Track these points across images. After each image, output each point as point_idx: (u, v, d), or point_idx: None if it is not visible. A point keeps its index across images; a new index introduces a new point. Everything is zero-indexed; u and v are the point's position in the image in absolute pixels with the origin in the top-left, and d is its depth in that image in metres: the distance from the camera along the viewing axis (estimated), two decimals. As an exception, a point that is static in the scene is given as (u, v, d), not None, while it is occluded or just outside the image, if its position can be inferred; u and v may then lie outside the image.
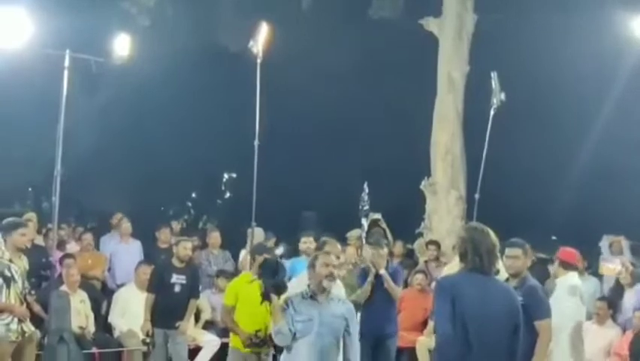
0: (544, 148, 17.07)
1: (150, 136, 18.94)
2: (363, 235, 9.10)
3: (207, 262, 11.49)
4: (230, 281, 8.49)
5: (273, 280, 6.15)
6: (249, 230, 10.12)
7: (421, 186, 13.98)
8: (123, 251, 11.50)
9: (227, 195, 25.90)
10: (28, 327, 7.35)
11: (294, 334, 5.96)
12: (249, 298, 7.21)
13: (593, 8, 13.49)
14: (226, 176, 25.57)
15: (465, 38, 14.08)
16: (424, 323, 10.45)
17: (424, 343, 9.97)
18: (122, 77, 14.10)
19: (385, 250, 8.64)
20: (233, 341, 7.73)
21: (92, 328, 9.90)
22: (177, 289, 9.26)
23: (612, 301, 10.21)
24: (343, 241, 10.38)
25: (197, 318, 10.43)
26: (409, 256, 13.11)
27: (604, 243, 12.15)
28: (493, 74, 10.53)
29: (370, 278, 8.39)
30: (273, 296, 6.06)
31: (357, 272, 8.70)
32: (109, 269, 11.44)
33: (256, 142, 9.96)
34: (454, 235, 12.06)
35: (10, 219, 7.71)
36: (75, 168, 12.83)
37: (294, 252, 10.05)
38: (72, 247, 11.67)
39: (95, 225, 15.57)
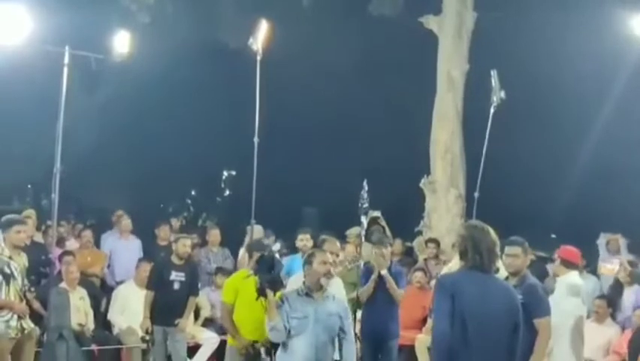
0: (543, 146, 17.07)
1: (150, 133, 18.93)
2: (363, 232, 9.08)
3: (207, 259, 11.49)
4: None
5: (269, 275, 6.12)
6: (249, 227, 10.12)
7: (421, 184, 13.99)
8: (123, 248, 11.51)
9: (227, 192, 25.89)
10: (28, 324, 7.35)
11: (289, 331, 5.95)
12: (248, 294, 7.19)
13: (593, 6, 13.48)
14: (226, 173, 25.56)
15: (465, 36, 14.09)
16: (423, 321, 10.46)
17: (423, 341, 9.97)
18: (121, 74, 14.10)
19: (388, 250, 8.61)
20: (232, 339, 7.72)
21: (91, 325, 9.89)
22: (176, 286, 9.26)
23: (611, 299, 10.22)
24: (343, 239, 10.39)
25: (196, 315, 10.44)
26: (409, 254, 13.12)
27: (601, 241, 12.16)
28: (493, 72, 10.53)
29: (374, 276, 8.37)
30: (269, 292, 6.05)
31: (362, 270, 8.67)
32: (108, 266, 11.44)
33: (256, 139, 9.96)
34: (453, 233, 12.07)
35: (7, 216, 7.70)
36: (75, 165, 12.80)
37: (291, 249, 10.05)
38: (71, 244, 11.66)
39: (94, 222, 15.56)
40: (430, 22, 14.18)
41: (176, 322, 9.17)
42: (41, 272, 9.69)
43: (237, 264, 11.11)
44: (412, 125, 15.51)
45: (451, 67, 14.03)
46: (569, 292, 7.74)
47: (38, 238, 10.78)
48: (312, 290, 6.10)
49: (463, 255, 4.86)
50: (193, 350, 10.04)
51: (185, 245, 9.40)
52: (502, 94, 10.43)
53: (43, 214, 12.27)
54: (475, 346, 4.63)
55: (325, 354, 6.06)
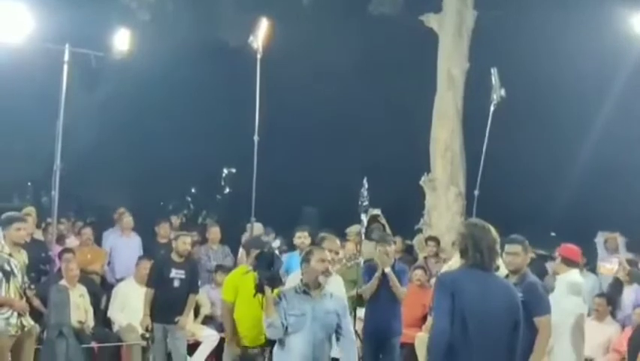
0: (543, 145, 17.08)
1: (150, 131, 18.94)
2: (363, 230, 9.09)
3: (207, 257, 11.48)
4: (228, 276, 8.45)
5: (268, 272, 6.11)
6: (248, 225, 10.12)
7: (421, 183, 13.99)
8: (123, 246, 11.50)
9: (227, 190, 25.92)
10: (28, 321, 7.35)
11: (286, 328, 5.95)
12: (247, 291, 7.16)
13: (593, 5, 13.49)
14: (226, 171, 25.58)
15: (465, 35, 14.08)
16: (423, 319, 10.45)
17: (423, 339, 9.95)
18: (121, 71, 14.11)
19: (393, 247, 8.62)
20: (227, 343, 7.74)
21: (91, 322, 9.89)
22: (176, 284, 9.25)
23: (611, 297, 10.23)
24: (342, 237, 10.40)
25: (196, 313, 10.43)
26: (409, 252, 13.12)
27: (599, 239, 12.16)
28: (493, 71, 10.54)
29: (378, 274, 8.38)
30: (267, 289, 6.03)
31: (365, 268, 8.67)
32: (108, 263, 11.44)
33: (256, 137, 9.96)
34: (453, 231, 12.07)
35: (7, 213, 7.70)
36: (75, 162, 12.82)
37: (290, 246, 10.05)
38: (71, 241, 11.66)
39: (94, 219, 15.57)
40: (430, 20, 14.17)
41: (176, 319, 9.17)
42: (41, 270, 9.69)
43: (237, 261, 11.11)
44: (412, 123, 15.51)
45: (451, 65, 14.03)
46: (570, 290, 7.74)
47: (38, 235, 10.77)
48: (310, 288, 6.09)
49: (463, 253, 4.86)
50: (193, 347, 10.03)
51: (185, 243, 9.39)
52: (503, 92, 10.44)
53: (43, 212, 12.27)
54: (476, 344, 4.63)
55: (322, 352, 6.06)
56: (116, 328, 10.20)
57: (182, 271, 9.28)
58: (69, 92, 8.74)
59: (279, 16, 11.20)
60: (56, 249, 9.87)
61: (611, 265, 10.86)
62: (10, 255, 7.21)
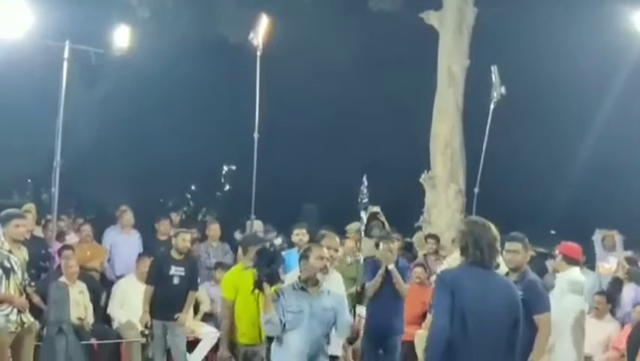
0: (543, 142, 17.08)
1: (150, 128, 18.92)
2: (362, 228, 9.08)
3: (206, 254, 11.48)
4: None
5: (267, 269, 6.11)
6: (248, 222, 10.11)
7: (421, 180, 13.98)
8: (123, 243, 11.49)
9: (227, 187, 25.91)
10: (28, 318, 7.34)
11: (284, 325, 5.96)
12: (246, 287, 7.15)
13: (594, 2, 13.49)
14: (225, 168, 25.57)
15: (465, 32, 14.06)
16: (423, 317, 10.45)
17: (423, 336, 9.96)
18: (121, 68, 14.08)
19: (396, 244, 8.64)
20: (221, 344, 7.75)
21: (90, 319, 9.89)
22: (176, 281, 9.26)
23: (611, 295, 10.22)
24: (342, 234, 10.39)
25: (195, 310, 10.44)
26: (408, 249, 13.10)
27: (597, 237, 12.15)
28: (493, 68, 10.54)
29: (381, 271, 8.38)
30: (266, 286, 6.04)
31: (368, 265, 8.66)
32: (108, 260, 11.44)
33: (256, 134, 9.96)
34: (453, 228, 12.08)
35: (7, 210, 7.70)
36: (75, 159, 12.80)
37: (289, 244, 10.05)
38: (71, 238, 11.66)
39: (94, 216, 15.56)
40: (431, 17, 14.15)
41: (175, 316, 9.17)
42: (41, 266, 9.68)
43: (238, 258, 11.10)
44: (412, 120, 15.50)
45: (451, 62, 14.01)
46: (572, 288, 7.73)
47: (38, 232, 10.78)
48: (308, 285, 6.09)
49: (463, 250, 4.85)
50: (192, 344, 10.04)
51: (184, 240, 9.39)
52: (503, 89, 10.44)
53: (43, 208, 12.27)
54: (475, 342, 4.63)
55: (320, 348, 6.06)
56: (115, 325, 10.20)
57: (182, 269, 9.28)
58: (69, 89, 8.74)
59: (279, 13, 11.19)
60: (56, 246, 9.87)
61: (609, 265, 10.88)
62: (10, 252, 7.20)
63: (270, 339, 6.35)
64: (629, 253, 11.22)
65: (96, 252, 11.26)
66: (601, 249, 11.86)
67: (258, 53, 10.02)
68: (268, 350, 6.51)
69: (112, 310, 10.29)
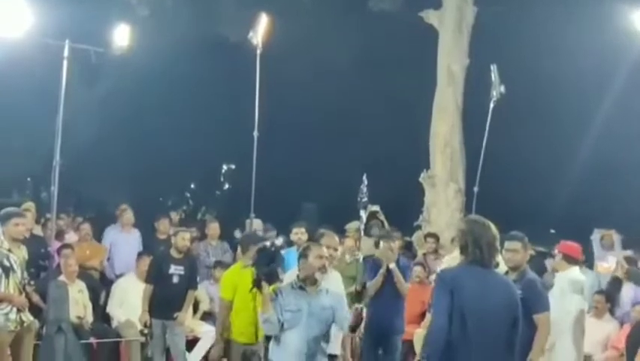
0: (543, 141, 17.08)
1: (149, 127, 18.92)
2: (362, 227, 9.08)
3: (205, 253, 11.47)
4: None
5: (266, 267, 6.10)
6: (248, 221, 10.10)
7: (420, 179, 13.98)
8: (122, 241, 11.48)
9: (226, 186, 25.91)
10: (27, 317, 7.34)
11: (282, 324, 5.95)
12: (245, 286, 7.15)
13: (594, 1, 13.49)
14: (225, 167, 25.57)
15: (465, 31, 14.07)
16: (422, 316, 10.45)
17: (421, 335, 9.97)
18: (121, 67, 14.09)
19: (397, 243, 8.64)
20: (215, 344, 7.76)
21: (90, 318, 9.88)
22: (175, 280, 9.25)
23: (610, 294, 10.22)
24: (342, 233, 10.39)
25: (195, 309, 10.44)
26: (408, 248, 13.10)
27: (595, 236, 12.13)
28: (493, 67, 10.54)
29: (382, 270, 8.38)
30: (264, 284, 6.03)
31: (368, 264, 8.66)
32: (108, 259, 11.43)
33: (255, 133, 9.96)
34: (452, 227, 12.09)
35: (6, 209, 7.69)
36: (74, 158, 12.83)
37: (288, 243, 10.05)
38: (71, 237, 11.64)
39: (93, 215, 15.55)
40: (430, 16, 14.16)
41: (174, 315, 9.17)
42: (40, 265, 9.68)
43: (237, 257, 11.10)
44: (412, 119, 15.51)
45: (451, 61, 14.02)
46: (572, 288, 7.73)
47: (38, 230, 10.76)
48: (306, 284, 6.09)
49: (463, 249, 4.85)
50: (192, 343, 10.04)
51: (184, 239, 9.39)
52: (502, 88, 10.44)
53: (42, 207, 12.27)
54: (475, 341, 4.63)
55: (318, 348, 6.05)
56: (114, 323, 10.19)
57: (181, 267, 9.28)
58: (69, 88, 8.75)
59: (279, 12, 11.20)
60: (55, 244, 9.87)
61: (608, 264, 10.88)
62: (9, 250, 7.20)
63: (268, 338, 6.35)
64: (628, 253, 11.22)
65: (95, 251, 11.25)
66: (599, 248, 11.85)
67: (258, 52, 10.02)
68: (266, 349, 6.50)
69: (111, 309, 10.29)
